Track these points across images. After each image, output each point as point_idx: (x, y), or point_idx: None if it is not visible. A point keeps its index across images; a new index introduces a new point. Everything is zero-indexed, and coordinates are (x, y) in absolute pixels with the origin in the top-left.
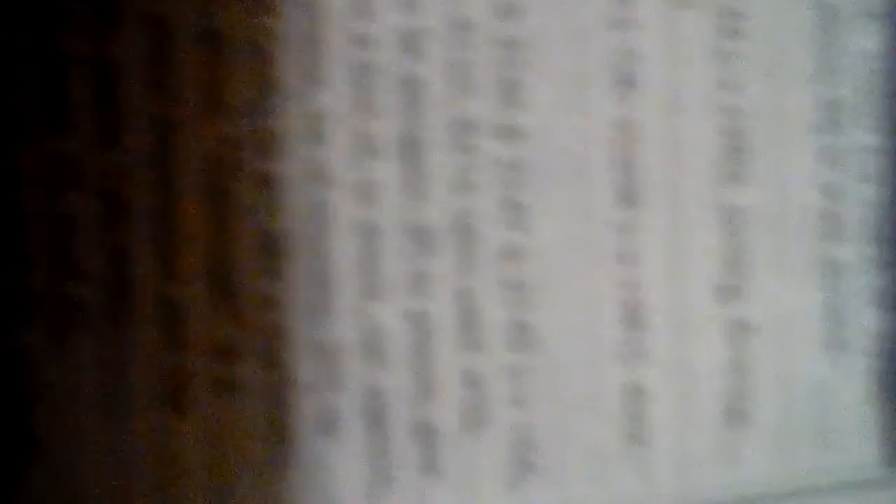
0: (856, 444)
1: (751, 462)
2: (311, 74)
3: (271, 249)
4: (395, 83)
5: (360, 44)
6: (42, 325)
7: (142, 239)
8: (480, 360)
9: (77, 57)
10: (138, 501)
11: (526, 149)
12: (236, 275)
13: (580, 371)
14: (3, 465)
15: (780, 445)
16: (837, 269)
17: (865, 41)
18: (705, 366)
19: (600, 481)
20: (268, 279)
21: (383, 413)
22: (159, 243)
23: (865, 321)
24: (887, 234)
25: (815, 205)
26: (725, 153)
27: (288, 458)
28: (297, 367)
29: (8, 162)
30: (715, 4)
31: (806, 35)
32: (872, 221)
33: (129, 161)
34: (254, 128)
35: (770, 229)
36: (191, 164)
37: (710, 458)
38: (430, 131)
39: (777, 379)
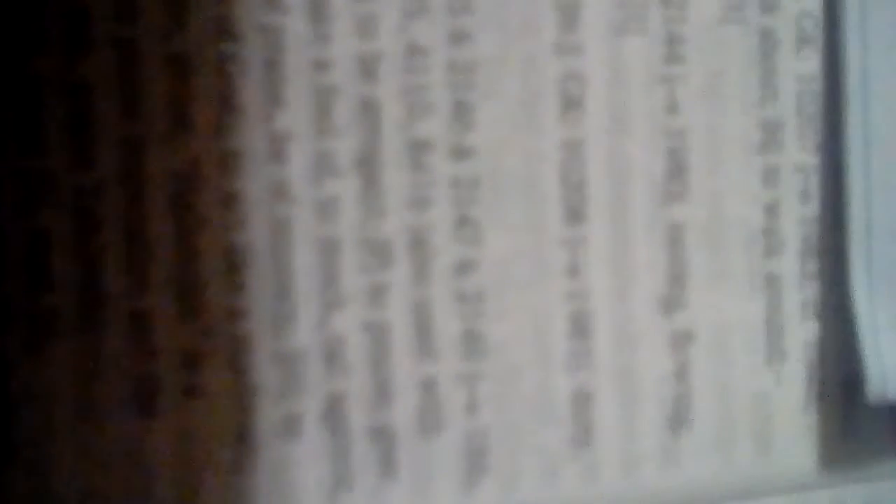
0: (794, 448)
1: (692, 465)
2: (273, 96)
3: (236, 263)
4: (353, 105)
5: (320, 67)
6: (19, 334)
7: (113, 253)
8: (435, 368)
9: (51, 79)
10: (110, 500)
11: (478, 167)
12: (202, 287)
13: (530, 378)
14: None
15: (720, 449)
16: (776, 282)
17: (803, 64)
18: (649, 373)
19: (549, 483)
20: (232, 291)
21: (343, 418)
22: (129, 257)
23: (803, 332)
24: (824, 248)
25: (754, 221)
26: (669, 172)
27: (252, 461)
28: (261, 374)
29: None
30: (658, 31)
31: (746, 59)
32: (810, 237)
33: (100, 178)
34: (218, 147)
35: (711, 244)
36: (159, 181)
37: (653, 461)
38: (387, 150)
39: (718, 386)
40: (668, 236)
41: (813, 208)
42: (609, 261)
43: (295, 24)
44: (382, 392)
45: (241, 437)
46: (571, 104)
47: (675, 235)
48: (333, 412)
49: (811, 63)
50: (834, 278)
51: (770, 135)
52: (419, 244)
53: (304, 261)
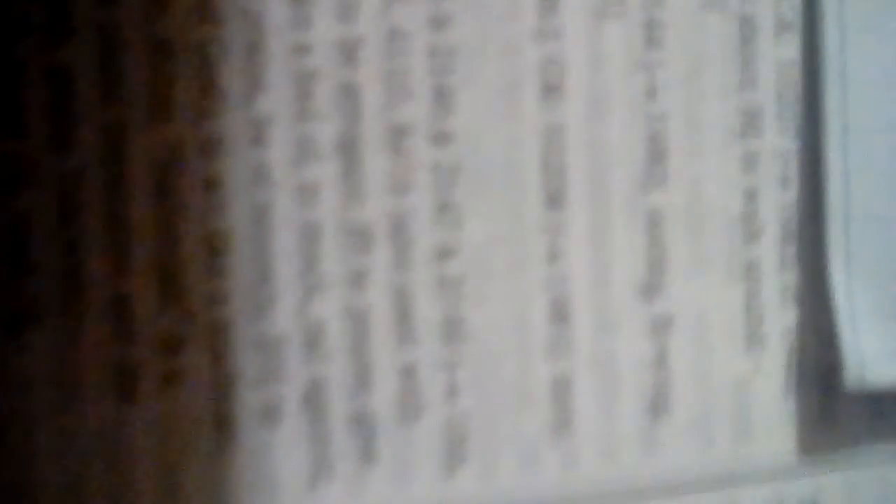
0: (773, 434)
1: (671, 451)
2: (254, 80)
3: (216, 248)
4: (334, 89)
5: (300, 52)
6: None
7: (93, 237)
8: (415, 353)
9: (32, 63)
10: (90, 486)
11: (458, 152)
12: (183, 272)
13: (510, 364)
14: None
15: (700, 435)
16: (755, 268)
17: (782, 50)
18: (628, 359)
19: (529, 469)
20: (213, 276)
21: (323, 404)
22: (110, 241)
23: (782, 318)
24: (803, 234)
25: (734, 207)
26: (648, 158)
27: (231, 447)
28: (241, 360)
29: None
30: (638, 16)
31: (726, 45)
32: (789, 223)
33: (81, 163)
34: (199, 132)
35: (691, 230)
36: (139, 166)
37: (633, 447)
38: (367, 135)
39: (697, 372)
40: (648, 222)
41: (792, 194)
42: (589, 246)
43: (275, 9)
44: (362, 378)
45: (221, 424)
46: (551, 89)
47: (654, 221)
48: (313, 398)
49: (790, 49)
50: (813, 264)
51: (749, 120)
52: (399, 229)
53: (284, 246)
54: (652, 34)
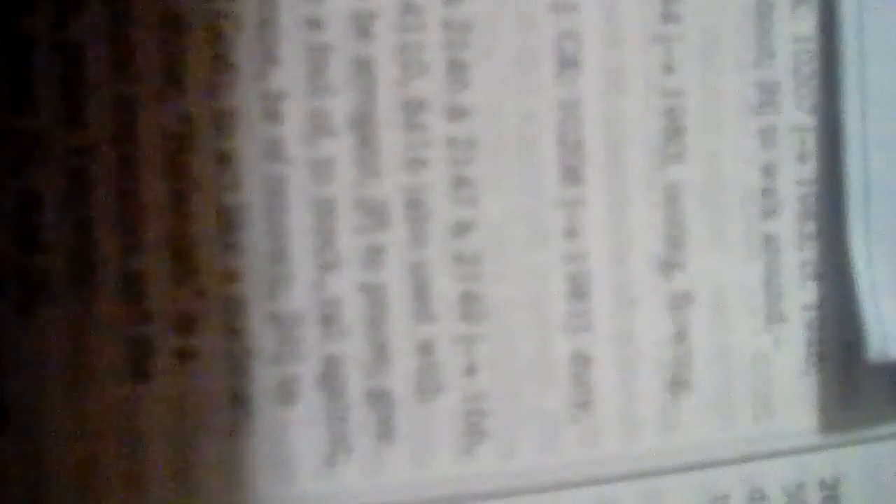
0: (793, 411)
1: (692, 428)
2: (267, 55)
3: (230, 224)
4: (348, 64)
5: (313, 25)
6: (10, 297)
7: (105, 213)
8: (433, 330)
9: (42, 37)
10: (103, 466)
11: (474, 127)
12: (196, 248)
13: (528, 340)
14: None
15: (720, 413)
16: (774, 243)
17: (798, 24)
18: (648, 336)
19: (548, 446)
20: (227, 252)
21: (340, 381)
22: (122, 218)
23: (802, 294)
24: (822, 209)
25: (752, 182)
26: (666, 132)
27: (247, 425)
28: (256, 337)
29: None
30: None
31: (742, 19)
32: (807, 197)
33: (92, 138)
34: (212, 106)
35: (709, 206)
36: (152, 141)
37: (652, 425)
38: (382, 110)
39: (717, 349)
40: (666, 197)
41: (810, 169)
42: (607, 222)
43: None
44: (380, 355)
45: (237, 401)
46: (567, 63)
47: (672, 196)
48: (330, 375)
49: (807, 23)
50: (832, 239)
51: (767, 95)
52: (415, 205)
53: (299, 221)
54: (668, 8)
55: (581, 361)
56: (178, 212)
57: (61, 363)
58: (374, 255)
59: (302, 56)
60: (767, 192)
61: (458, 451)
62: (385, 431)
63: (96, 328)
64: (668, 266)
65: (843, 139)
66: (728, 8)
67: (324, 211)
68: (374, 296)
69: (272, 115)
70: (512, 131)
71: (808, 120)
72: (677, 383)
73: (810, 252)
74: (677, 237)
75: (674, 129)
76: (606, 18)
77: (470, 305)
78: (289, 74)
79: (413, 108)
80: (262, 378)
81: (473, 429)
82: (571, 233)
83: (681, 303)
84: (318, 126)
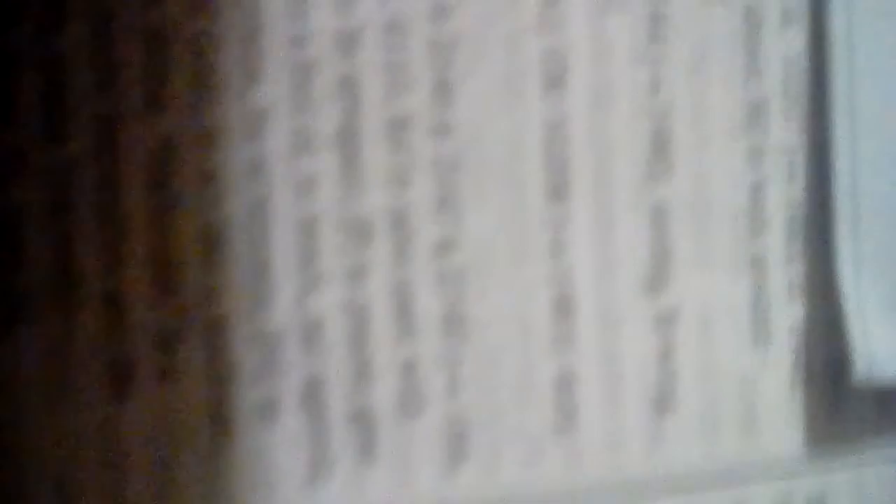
0: (780, 430)
1: (677, 448)
2: (250, 72)
3: (212, 241)
4: (332, 81)
5: (297, 43)
6: None
7: (87, 231)
8: (416, 349)
9: (24, 52)
10: (84, 484)
11: (459, 145)
12: (178, 266)
13: (512, 359)
14: None
15: (706, 431)
16: (762, 262)
17: (787, 43)
18: (633, 355)
19: (532, 465)
20: (209, 270)
21: (322, 400)
22: (103, 235)
23: (789, 313)
24: (810, 229)
25: (740, 201)
26: (652, 151)
27: (229, 443)
28: (238, 356)
29: None
30: (641, 8)
31: (730, 38)
32: (795, 217)
33: (73, 154)
34: (194, 123)
35: (696, 225)
36: (134, 158)
37: (637, 444)
38: (366, 128)
39: (702, 368)
40: (652, 216)
41: (798, 188)
42: (592, 241)
43: None
44: (362, 374)
45: (218, 420)
46: (554, 82)
47: (659, 215)
48: (312, 394)
49: (796, 42)
50: (820, 259)
51: (755, 114)
52: (399, 223)
53: (281, 239)
54: (656, 26)
55: (565, 380)
56: (159, 229)
57: (41, 381)
58: (357, 273)
59: (286, 73)
60: (755, 212)
61: (440, 471)
62: (367, 451)
63: (77, 345)
64: (654, 285)
65: (832, 159)
66: (716, 27)
67: (307, 229)
68: (356, 314)
69: (255, 132)
70: (497, 149)
71: (797, 139)
72: (662, 403)
73: (797, 272)
74: (663, 256)
75: (660, 148)
76: (593, 37)
77: (453, 324)
78: (272, 91)
79: (398, 126)
80: (244, 397)
81: (456, 448)
82: (557, 251)
83: (666, 322)
84: (302, 143)
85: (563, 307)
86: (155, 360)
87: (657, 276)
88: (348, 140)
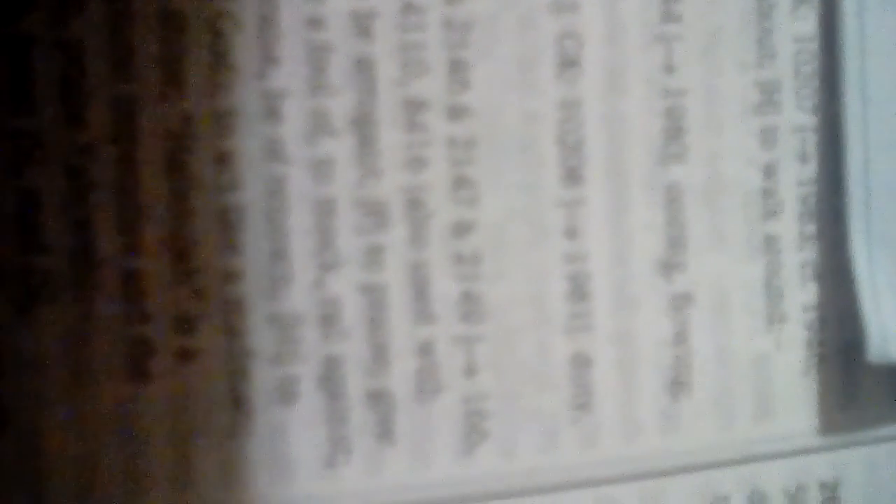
0: (793, 413)
1: (692, 430)
2: (267, 54)
3: (230, 223)
4: (348, 63)
5: (314, 24)
6: (9, 297)
7: (105, 213)
8: (433, 331)
9: (41, 36)
10: (102, 467)
11: (474, 127)
12: (196, 248)
13: (528, 341)
14: None
15: (720, 413)
16: (775, 244)
17: (799, 24)
18: (648, 337)
19: (548, 447)
20: (226, 252)
21: (339, 382)
22: (122, 218)
23: (803, 294)
24: (823, 209)
25: (753, 182)
26: (666, 132)
27: (247, 426)
28: (256, 338)
29: None
30: None
31: (743, 19)
32: (808, 198)
33: (92, 138)
34: (212, 106)
35: (710, 206)
36: (152, 140)
37: (652, 426)
38: (382, 109)
39: (717, 350)
40: (667, 197)
41: (811, 169)
42: (607, 222)
43: None
44: (380, 355)
45: (236, 402)
46: (568, 63)
47: (673, 196)
48: (330, 376)
49: (808, 23)
50: (833, 240)
51: (767, 95)
52: (415, 205)
53: (299, 221)
54: (669, 8)
55: (581, 362)
56: (177, 212)
57: (61, 363)
58: (374, 256)
59: (302, 55)
60: (768, 193)
61: (457, 452)
62: (385, 432)
63: (96, 328)
64: (669, 266)
65: (844, 139)
66: (729, 8)
67: (324, 211)
68: (373, 296)
69: (272, 114)
70: (512, 131)
71: (809, 120)
72: (677, 384)
73: (811, 253)
74: (678, 238)
75: (674, 130)
76: (607, 18)
77: (470, 306)
78: (289, 74)
79: (413, 108)
80: (262, 378)
81: (473, 429)
82: (572, 233)
83: (681, 303)
84: (318, 126)
85: (579, 289)
86: (174, 342)
87: (671, 257)
88: (365, 122)
